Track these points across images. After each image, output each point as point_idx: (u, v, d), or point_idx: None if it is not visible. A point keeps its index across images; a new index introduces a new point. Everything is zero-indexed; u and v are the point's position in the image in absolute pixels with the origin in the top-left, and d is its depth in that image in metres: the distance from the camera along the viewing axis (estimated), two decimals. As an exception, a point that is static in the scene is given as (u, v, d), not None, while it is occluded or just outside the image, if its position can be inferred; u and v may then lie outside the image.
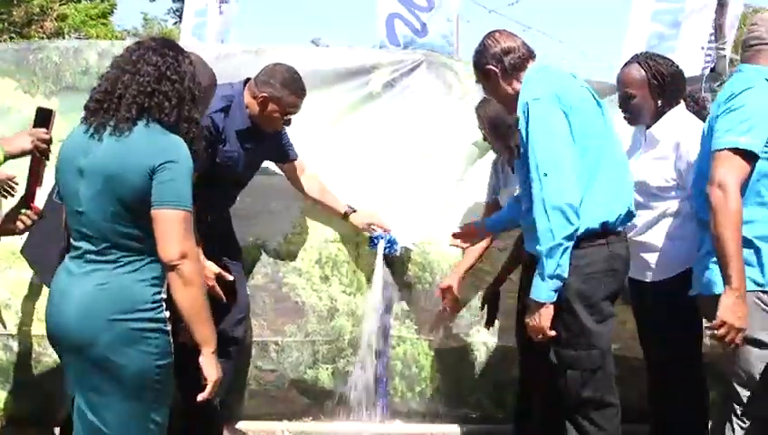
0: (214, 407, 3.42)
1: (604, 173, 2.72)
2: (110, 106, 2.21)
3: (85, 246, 2.22)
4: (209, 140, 3.21)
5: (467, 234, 3.43)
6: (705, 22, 4.75)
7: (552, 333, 2.70)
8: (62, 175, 2.28)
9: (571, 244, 2.62)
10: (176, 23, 19.15)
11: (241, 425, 3.83)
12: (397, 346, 3.97)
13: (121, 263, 2.18)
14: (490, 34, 2.85)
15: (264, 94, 3.37)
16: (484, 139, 3.53)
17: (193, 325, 2.17)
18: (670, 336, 3.10)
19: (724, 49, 4.14)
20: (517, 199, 3.11)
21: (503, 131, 3.30)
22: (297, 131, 3.64)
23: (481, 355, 3.96)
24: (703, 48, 4.80)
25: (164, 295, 2.24)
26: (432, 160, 3.95)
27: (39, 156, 2.61)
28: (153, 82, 2.21)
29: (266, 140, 3.50)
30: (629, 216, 2.84)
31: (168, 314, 2.23)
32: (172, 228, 2.11)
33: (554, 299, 2.65)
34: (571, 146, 2.65)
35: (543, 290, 2.64)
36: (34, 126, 2.60)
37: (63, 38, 12.93)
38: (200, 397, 2.23)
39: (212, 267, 3.18)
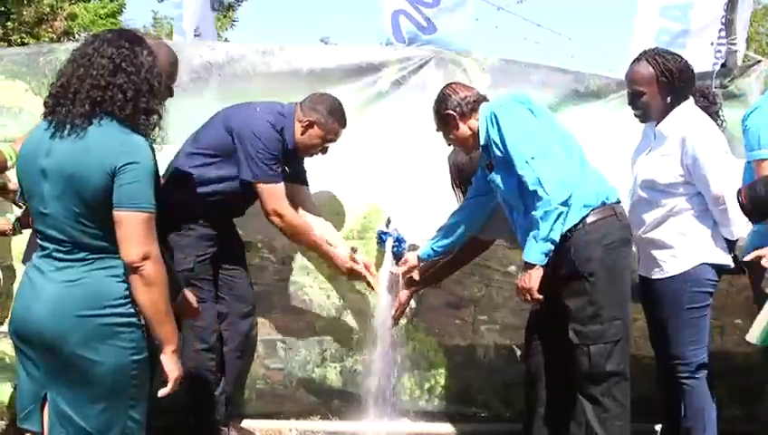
0: (216, 403, 3.43)
1: (582, 158, 2.97)
2: (65, 102, 2.18)
3: (52, 246, 2.20)
4: (283, 151, 3.41)
5: (410, 269, 3.57)
6: (714, 17, 4.71)
7: (539, 296, 2.87)
8: (24, 175, 2.24)
9: (565, 209, 2.77)
10: (186, 21, 19.16)
11: (248, 424, 3.83)
12: (405, 344, 3.96)
13: (90, 260, 2.16)
14: (447, 86, 3.25)
15: (311, 119, 3.46)
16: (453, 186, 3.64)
17: (155, 325, 2.18)
18: (676, 335, 3.09)
19: (735, 44, 4.09)
20: (455, 225, 3.38)
21: (467, 177, 3.47)
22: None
23: (489, 354, 3.95)
24: (713, 44, 4.76)
25: None
26: (439, 159, 3.89)
27: None
28: (107, 75, 2.16)
29: (294, 161, 3.58)
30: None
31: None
32: (134, 230, 2.09)
33: (545, 262, 2.83)
34: (547, 130, 2.86)
35: (535, 252, 2.82)
36: None
37: (73, 37, 12.99)
38: (161, 392, 2.23)
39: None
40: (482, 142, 3.04)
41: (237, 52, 4.03)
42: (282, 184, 3.43)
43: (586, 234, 2.84)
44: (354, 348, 3.94)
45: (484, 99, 3.18)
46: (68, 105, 2.16)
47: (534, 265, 2.85)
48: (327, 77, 3.85)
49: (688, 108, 3.14)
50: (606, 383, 2.85)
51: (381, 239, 3.72)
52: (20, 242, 3.43)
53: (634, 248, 3.13)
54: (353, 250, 3.68)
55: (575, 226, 2.85)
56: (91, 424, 2.16)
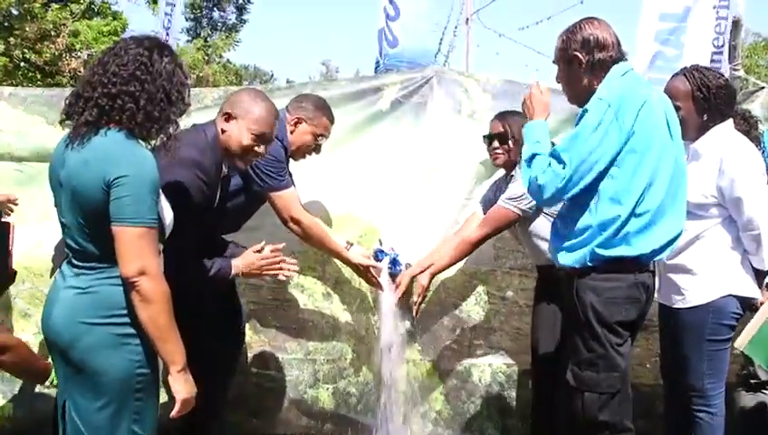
0: (209, 423, 3.36)
1: (653, 199, 2.65)
2: (76, 110, 2.16)
3: (72, 253, 2.21)
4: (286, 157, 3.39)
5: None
6: (706, 40, 4.74)
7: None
8: (51, 185, 2.26)
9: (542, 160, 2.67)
10: (189, 40, 19.30)
11: (239, 444, 3.78)
12: (398, 367, 3.89)
13: (99, 269, 2.15)
14: (588, 20, 2.77)
15: (298, 116, 3.46)
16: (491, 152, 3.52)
17: (157, 343, 2.13)
18: (694, 367, 2.98)
19: (738, 69, 4.10)
20: None
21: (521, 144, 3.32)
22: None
23: (485, 378, 3.90)
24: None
25: None
26: (439, 178, 3.94)
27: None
28: (120, 84, 2.13)
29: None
30: (668, 246, 2.75)
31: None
32: (130, 245, 2.07)
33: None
34: (600, 163, 2.62)
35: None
36: None
37: (76, 54, 13.05)
38: (172, 414, 2.18)
39: None
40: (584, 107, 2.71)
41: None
42: (294, 189, 3.43)
43: (592, 280, 2.67)
44: (348, 369, 3.89)
45: (621, 58, 2.76)
46: (78, 113, 2.15)
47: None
48: (328, 99, 3.83)
49: (727, 128, 3.04)
50: (599, 433, 2.70)
51: (378, 259, 3.69)
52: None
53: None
54: (349, 244, 3.64)
55: (590, 264, 2.67)
56: (93, 434, 2.14)
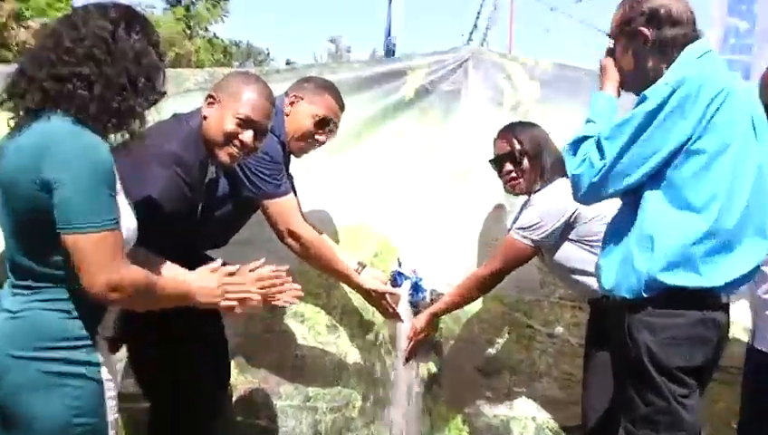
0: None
1: (728, 215, 2.61)
2: (16, 92, 2.15)
3: (9, 266, 2.17)
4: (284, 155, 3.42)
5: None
6: None
7: None
8: None
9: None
10: (167, 9, 19.40)
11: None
12: (420, 419, 3.95)
13: (36, 289, 2.13)
14: None
15: (296, 94, 3.50)
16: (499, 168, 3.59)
17: (162, 305, 2.31)
18: None
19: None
20: None
21: (538, 161, 3.46)
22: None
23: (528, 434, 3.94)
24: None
25: (102, 333, 2.20)
26: (474, 185, 3.99)
27: None
28: (72, 64, 2.11)
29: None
30: (749, 276, 2.72)
31: (100, 357, 2.17)
32: (89, 255, 2.04)
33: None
34: (651, 160, 2.60)
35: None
36: None
37: (24, 22, 13.22)
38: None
39: None
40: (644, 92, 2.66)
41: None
42: (292, 196, 3.47)
43: (649, 315, 2.63)
44: (356, 421, 3.94)
45: (696, 38, 2.74)
46: (19, 96, 2.13)
47: None
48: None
49: None
50: None
51: (396, 283, 3.76)
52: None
53: (749, 312, 3.06)
54: (361, 266, 3.70)
55: (646, 295, 2.63)
56: None
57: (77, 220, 2.03)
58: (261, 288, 2.72)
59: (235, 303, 2.57)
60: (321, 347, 3.96)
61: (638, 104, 2.63)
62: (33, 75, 2.12)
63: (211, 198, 3.20)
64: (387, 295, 3.69)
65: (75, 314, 2.13)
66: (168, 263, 2.65)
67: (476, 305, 3.90)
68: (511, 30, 11.19)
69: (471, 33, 10.96)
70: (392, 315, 3.74)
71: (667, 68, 2.70)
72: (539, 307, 3.91)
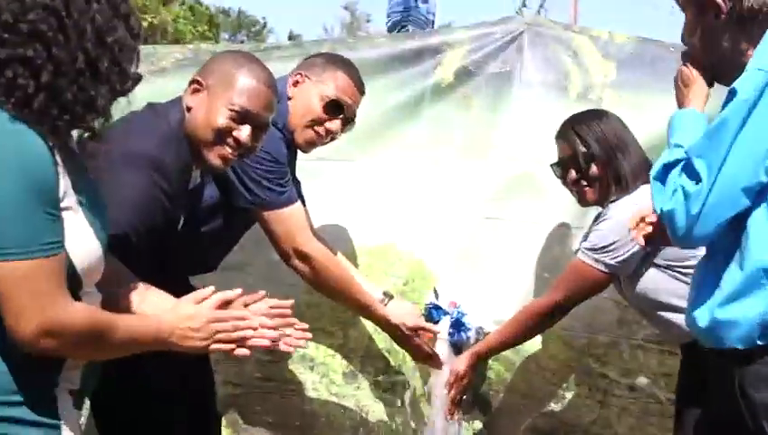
0: None
1: None
2: None
3: None
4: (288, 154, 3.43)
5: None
6: None
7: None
8: None
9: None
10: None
11: None
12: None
13: None
14: None
15: (300, 72, 3.50)
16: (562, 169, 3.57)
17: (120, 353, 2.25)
18: None
19: None
20: None
21: (611, 164, 3.42)
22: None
23: None
24: None
25: (63, 384, 2.17)
26: (530, 195, 3.99)
27: None
28: (12, 44, 2.05)
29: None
30: None
31: (61, 414, 2.14)
32: (14, 289, 2.00)
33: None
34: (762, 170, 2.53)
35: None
36: None
37: None
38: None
39: None
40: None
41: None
42: (300, 206, 3.46)
43: (766, 365, 2.59)
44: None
45: None
46: None
47: None
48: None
49: None
50: None
51: (432, 319, 3.72)
52: None
53: None
54: (388, 297, 3.68)
55: (761, 343, 2.59)
56: None
57: (4, 243, 1.98)
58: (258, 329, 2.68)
59: (230, 346, 2.49)
60: (337, 400, 3.97)
61: (726, 103, 2.57)
62: None
63: (195, 211, 3.18)
64: (419, 333, 3.66)
65: (26, 360, 2.08)
66: (144, 286, 2.57)
67: (535, 348, 3.89)
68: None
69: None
70: (427, 358, 3.70)
71: (750, 49, 2.64)
72: (616, 351, 3.87)
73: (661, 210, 2.64)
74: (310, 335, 2.89)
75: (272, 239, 3.45)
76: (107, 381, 2.80)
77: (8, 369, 2.08)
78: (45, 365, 2.11)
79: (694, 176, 2.56)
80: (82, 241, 2.15)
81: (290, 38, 21.25)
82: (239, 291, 2.53)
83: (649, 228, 3.06)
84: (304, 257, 3.44)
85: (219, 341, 2.46)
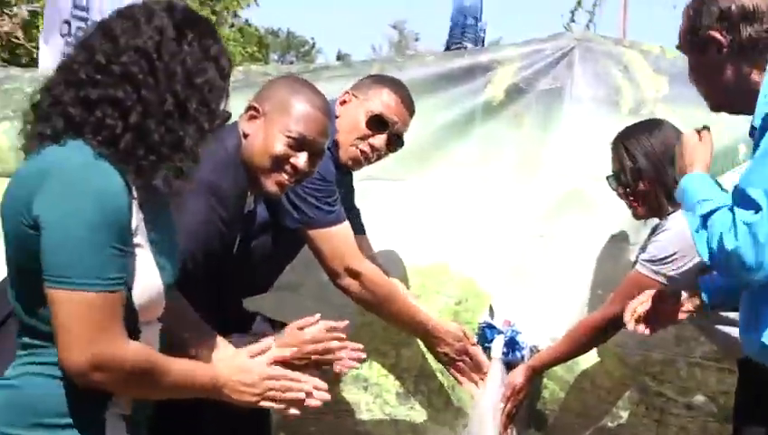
0: None
1: None
2: (40, 114, 2.17)
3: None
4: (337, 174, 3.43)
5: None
6: None
7: None
8: None
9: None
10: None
11: None
12: None
13: (33, 350, 2.13)
14: None
15: (350, 91, 3.53)
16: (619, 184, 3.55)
17: (170, 395, 2.26)
18: None
19: None
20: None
21: (660, 179, 3.40)
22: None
23: None
24: None
25: (113, 409, 2.19)
26: (582, 211, 3.97)
27: None
28: (105, 85, 2.11)
29: (344, 189, 3.61)
30: None
31: None
32: (72, 320, 2.02)
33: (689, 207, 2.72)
34: None
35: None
36: None
37: (10, 9, 13.59)
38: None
39: None
40: (755, 123, 2.72)
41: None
42: (348, 226, 3.46)
43: None
44: None
45: None
46: (43, 121, 2.15)
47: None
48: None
49: None
50: None
51: (486, 338, 3.70)
52: None
53: None
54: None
55: None
56: None
57: (70, 271, 2.02)
58: (314, 353, 2.70)
59: (280, 406, 2.48)
60: (390, 420, 3.97)
61: (762, 131, 2.61)
62: (58, 96, 2.14)
63: (248, 234, 3.20)
64: (470, 352, 3.66)
65: (62, 383, 2.11)
66: (205, 329, 2.61)
67: (589, 365, 3.86)
68: (625, 8, 11.09)
69: (573, 12, 10.91)
70: (474, 378, 3.69)
71: (755, 72, 2.72)
72: (673, 369, 3.82)
73: (715, 255, 2.62)
74: (364, 356, 2.91)
75: (320, 258, 3.46)
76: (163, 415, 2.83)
77: (57, 389, 2.11)
78: (95, 389, 2.12)
79: (751, 205, 2.55)
80: (144, 277, 2.18)
81: (338, 58, 21.35)
82: (292, 350, 2.62)
83: (643, 309, 3.16)
84: (354, 274, 3.45)
85: (271, 398, 2.47)
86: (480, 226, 3.96)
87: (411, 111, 3.57)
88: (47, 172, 2.05)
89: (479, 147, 4.09)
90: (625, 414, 3.92)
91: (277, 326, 3.20)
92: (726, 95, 2.80)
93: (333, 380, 3.25)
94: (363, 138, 3.49)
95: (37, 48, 13.80)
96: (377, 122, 3.48)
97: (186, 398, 2.31)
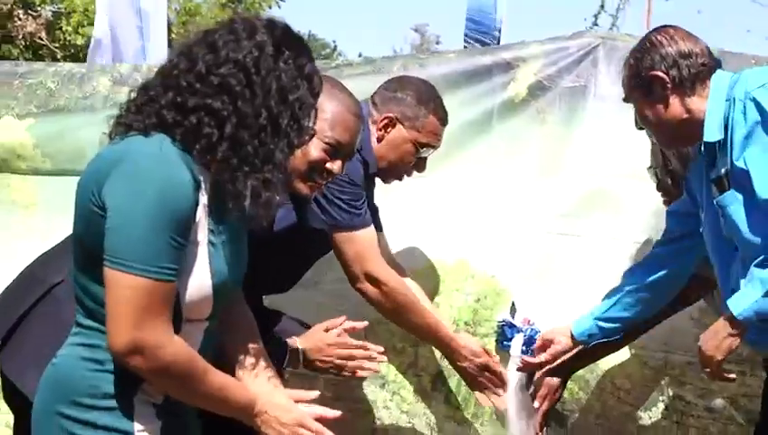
0: None
1: None
2: (132, 108, 2.26)
3: None
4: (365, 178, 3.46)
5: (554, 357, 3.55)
6: None
7: (727, 375, 2.92)
8: None
9: None
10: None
11: None
12: None
13: (81, 330, 2.25)
14: (660, 30, 3.11)
15: (391, 115, 3.52)
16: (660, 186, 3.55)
17: (201, 404, 2.31)
18: None
19: None
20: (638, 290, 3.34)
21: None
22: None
23: None
24: None
25: (143, 396, 2.24)
26: (607, 211, 3.96)
27: None
28: (203, 94, 2.20)
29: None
30: None
31: (136, 426, 2.21)
32: (119, 302, 2.10)
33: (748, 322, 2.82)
34: None
35: (745, 301, 2.82)
36: None
37: (34, 9, 13.66)
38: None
39: None
40: (713, 138, 2.93)
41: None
42: (373, 230, 3.48)
43: None
44: None
45: (717, 65, 3.05)
46: (133, 113, 2.25)
47: (734, 322, 2.84)
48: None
49: None
50: None
51: (505, 336, 3.69)
52: None
53: None
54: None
55: None
56: None
57: (126, 254, 2.10)
58: (339, 358, 2.83)
59: None
60: (408, 419, 3.96)
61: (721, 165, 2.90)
62: (154, 96, 2.24)
63: (273, 232, 3.20)
64: (490, 366, 3.65)
65: (109, 366, 2.19)
66: (258, 355, 2.58)
67: (610, 366, 3.85)
68: (649, 10, 11.10)
69: (596, 15, 10.90)
70: (491, 387, 3.69)
71: (702, 102, 2.97)
72: (693, 370, 3.75)
73: None
74: (385, 359, 2.94)
75: (342, 261, 3.47)
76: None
77: (90, 370, 2.20)
78: (127, 373, 2.19)
79: None
80: (194, 275, 2.24)
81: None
82: (336, 413, 2.58)
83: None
84: (374, 281, 3.45)
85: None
86: (502, 223, 3.96)
87: (446, 123, 3.63)
88: (121, 158, 2.15)
89: (502, 144, 4.08)
90: (645, 416, 3.91)
91: (304, 326, 3.26)
92: (678, 129, 3.02)
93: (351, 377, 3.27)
94: (409, 164, 3.57)
95: (60, 48, 13.98)
96: (422, 148, 3.55)
97: (215, 411, 2.34)
